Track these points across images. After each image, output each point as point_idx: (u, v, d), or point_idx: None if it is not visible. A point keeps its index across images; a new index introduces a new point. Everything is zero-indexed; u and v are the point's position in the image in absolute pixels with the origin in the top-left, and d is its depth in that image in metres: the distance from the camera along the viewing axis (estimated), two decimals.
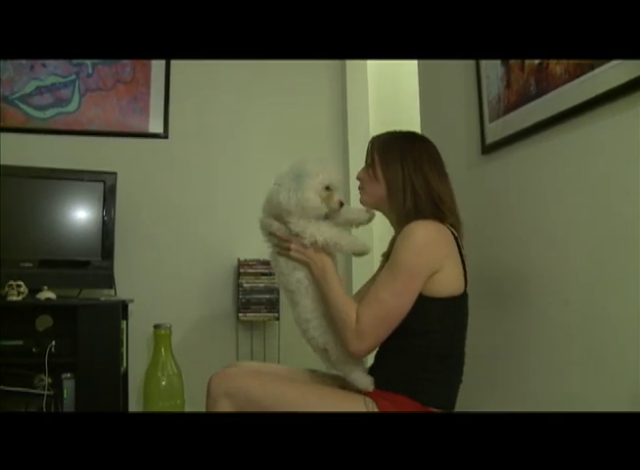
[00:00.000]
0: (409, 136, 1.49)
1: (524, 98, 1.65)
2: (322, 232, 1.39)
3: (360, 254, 1.45)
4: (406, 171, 1.40)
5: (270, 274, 2.79)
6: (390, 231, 1.54)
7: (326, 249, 1.40)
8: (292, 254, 1.42)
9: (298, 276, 1.42)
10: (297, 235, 1.41)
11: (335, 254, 1.44)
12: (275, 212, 1.41)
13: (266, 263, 2.81)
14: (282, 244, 1.44)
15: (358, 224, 1.53)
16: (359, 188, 1.52)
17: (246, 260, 2.84)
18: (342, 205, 1.42)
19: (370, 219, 1.55)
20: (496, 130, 1.80)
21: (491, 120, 1.83)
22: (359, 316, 1.30)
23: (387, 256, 1.46)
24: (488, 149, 1.85)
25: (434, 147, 1.49)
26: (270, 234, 1.45)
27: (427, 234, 1.31)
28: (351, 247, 1.41)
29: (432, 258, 1.31)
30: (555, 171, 1.53)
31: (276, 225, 1.42)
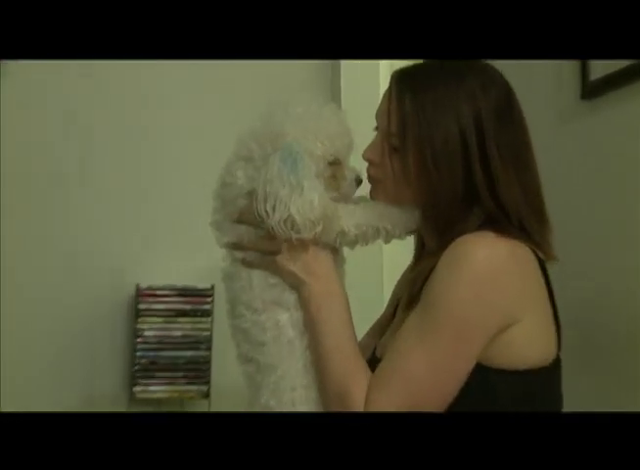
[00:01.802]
0: (467, 70, 1.02)
1: None
2: (353, 216, 1.03)
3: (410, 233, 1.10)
4: (456, 142, 0.98)
5: (198, 313, 1.97)
6: (410, 246, 1.17)
7: (357, 242, 1.04)
8: (279, 263, 1.01)
9: (280, 317, 1.00)
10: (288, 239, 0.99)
11: (342, 262, 1.08)
12: (247, 220, 1.02)
13: (189, 293, 1.98)
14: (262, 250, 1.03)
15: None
16: (369, 177, 1.09)
17: (150, 288, 1.97)
18: (359, 182, 1.07)
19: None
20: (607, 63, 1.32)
21: None
22: (370, 401, 0.92)
23: (412, 292, 1.01)
24: (593, 90, 1.38)
25: (510, 94, 1.03)
26: (236, 246, 1.04)
27: (493, 261, 0.92)
28: (405, 225, 1.05)
29: (501, 304, 0.92)
30: None
31: (248, 237, 1.03)
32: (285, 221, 0.94)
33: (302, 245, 0.98)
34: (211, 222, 1.05)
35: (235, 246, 1.03)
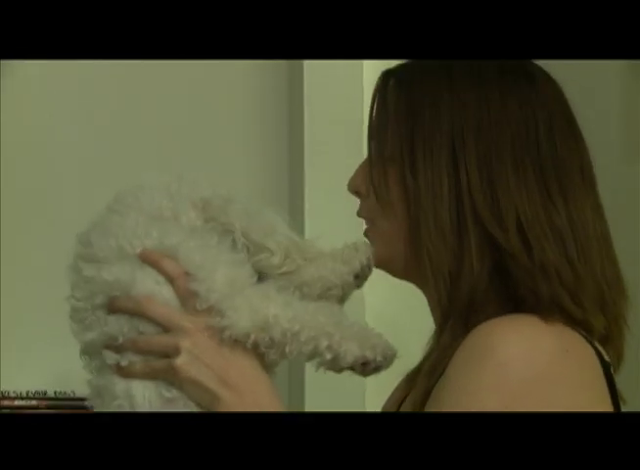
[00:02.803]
0: (493, 70, 0.79)
1: None
2: (281, 306, 0.73)
3: (387, 364, 0.75)
4: (483, 175, 0.74)
5: None
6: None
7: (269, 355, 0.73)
8: (179, 369, 0.72)
9: None
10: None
11: (273, 368, 0.77)
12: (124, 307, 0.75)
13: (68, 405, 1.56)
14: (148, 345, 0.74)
15: (333, 293, 0.79)
16: (360, 215, 0.86)
17: (4, 395, 1.54)
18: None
19: (362, 278, 0.81)
20: None
21: None
22: None
23: (428, 387, 0.75)
24: None
25: (563, 101, 0.79)
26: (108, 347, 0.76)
27: (533, 361, 0.68)
28: (376, 349, 0.74)
29: None
30: None
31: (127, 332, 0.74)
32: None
33: (213, 340, 0.74)
34: (70, 313, 0.80)
35: (107, 346, 0.76)
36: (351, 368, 0.74)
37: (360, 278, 0.81)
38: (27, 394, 1.57)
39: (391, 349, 0.75)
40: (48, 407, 1.55)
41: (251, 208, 0.80)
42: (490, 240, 0.73)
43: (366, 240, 0.83)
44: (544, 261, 0.71)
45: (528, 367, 0.68)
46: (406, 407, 0.84)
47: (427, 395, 0.75)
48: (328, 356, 0.73)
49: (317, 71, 1.86)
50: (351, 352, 0.73)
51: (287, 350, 0.73)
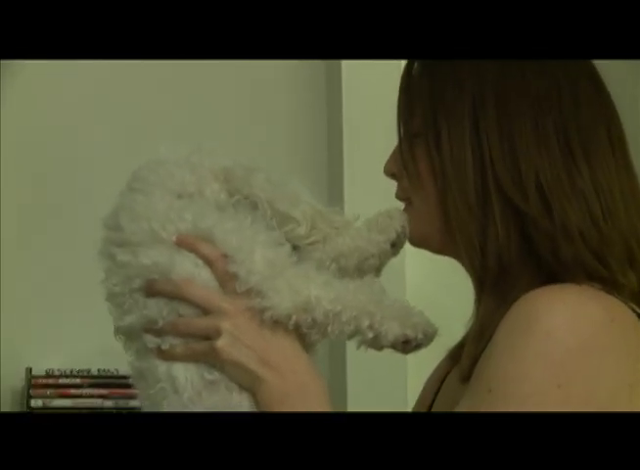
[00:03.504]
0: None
1: None
2: (322, 286, 0.72)
3: (428, 342, 0.75)
4: (521, 152, 0.74)
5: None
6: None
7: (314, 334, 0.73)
8: (221, 350, 0.72)
9: None
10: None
11: (314, 348, 0.76)
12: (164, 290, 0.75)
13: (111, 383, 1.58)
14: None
15: (370, 263, 0.79)
16: (398, 198, 0.85)
17: (48, 374, 1.58)
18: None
19: (398, 246, 0.81)
20: None
21: None
22: None
23: (465, 366, 0.76)
24: None
25: (590, 68, 0.80)
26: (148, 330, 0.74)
27: (580, 332, 0.68)
28: (417, 328, 0.73)
29: (596, 389, 0.67)
30: None
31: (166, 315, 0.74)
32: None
33: (253, 321, 0.74)
34: (107, 297, 0.79)
35: (147, 329, 0.76)
36: (392, 346, 0.75)
37: (397, 246, 0.81)
38: (72, 372, 1.59)
39: (432, 326, 0.75)
40: (91, 386, 1.57)
41: (274, 177, 0.79)
42: (513, 207, 0.74)
43: (399, 208, 0.84)
44: (566, 223, 0.72)
45: (574, 336, 0.68)
46: (451, 380, 0.85)
47: (474, 362, 0.74)
48: (369, 335, 0.73)
49: (354, 68, 1.96)
50: (393, 330, 0.73)
51: (329, 330, 0.73)
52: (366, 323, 0.73)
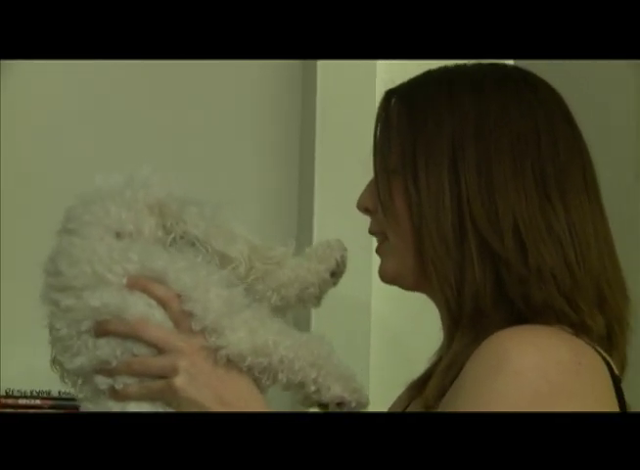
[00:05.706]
0: (493, 78, 0.80)
1: None
2: (277, 333, 0.73)
3: (359, 408, 0.76)
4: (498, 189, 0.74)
5: None
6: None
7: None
8: (178, 388, 0.71)
9: None
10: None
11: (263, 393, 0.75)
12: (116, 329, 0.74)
13: (72, 405, 1.48)
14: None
15: (311, 292, 0.80)
16: (371, 233, 0.85)
17: (8, 394, 1.52)
18: None
19: (338, 275, 0.82)
20: None
21: None
22: None
23: (433, 396, 0.76)
24: None
25: (563, 107, 0.79)
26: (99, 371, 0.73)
27: (548, 374, 0.67)
28: (354, 394, 0.75)
29: None
30: None
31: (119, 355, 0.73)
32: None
33: (208, 360, 0.73)
34: (51, 341, 0.77)
35: (98, 370, 0.74)
36: (325, 404, 0.74)
37: (336, 275, 0.81)
38: (32, 393, 1.54)
39: (367, 398, 0.76)
40: (52, 407, 1.52)
41: (207, 210, 0.78)
42: (489, 247, 0.73)
43: (339, 239, 0.84)
44: (541, 266, 0.71)
45: (542, 380, 0.67)
46: (414, 410, 0.83)
47: (442, 393, 0.74)
48: (312, 389, 0.73)
49: (331, 75, 1.81)
50: (334, 389, 0.73)
51: (279, 376, 0.72)
52: (313, 375, 0.73)
